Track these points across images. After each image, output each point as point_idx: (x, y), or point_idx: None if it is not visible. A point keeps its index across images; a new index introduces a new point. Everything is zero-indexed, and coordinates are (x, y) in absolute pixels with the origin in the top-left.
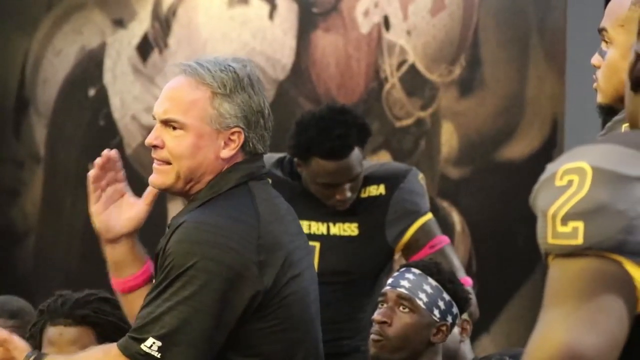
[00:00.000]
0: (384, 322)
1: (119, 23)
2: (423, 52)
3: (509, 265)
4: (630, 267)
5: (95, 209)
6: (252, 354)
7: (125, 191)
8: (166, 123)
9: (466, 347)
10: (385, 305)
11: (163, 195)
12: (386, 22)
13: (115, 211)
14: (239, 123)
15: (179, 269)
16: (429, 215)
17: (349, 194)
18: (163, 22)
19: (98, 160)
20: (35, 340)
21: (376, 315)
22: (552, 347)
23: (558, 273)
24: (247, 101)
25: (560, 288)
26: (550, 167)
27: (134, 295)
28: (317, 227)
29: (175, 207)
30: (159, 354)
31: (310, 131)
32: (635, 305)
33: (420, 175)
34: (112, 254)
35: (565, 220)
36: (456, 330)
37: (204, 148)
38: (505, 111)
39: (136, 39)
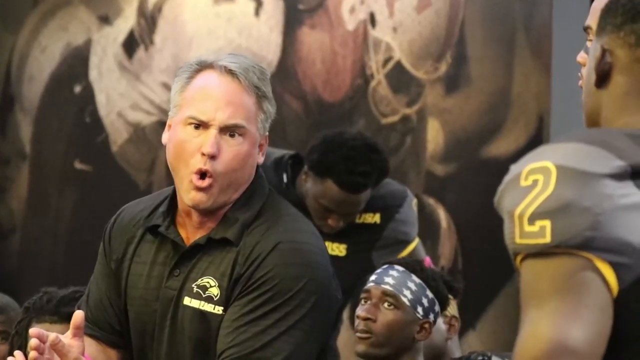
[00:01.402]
0: (369, 319)
1: (105, 20)
2: (409, 49)
3: (495, 262)
4: (599, 263)
5: None
6: None
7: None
8: (226, 130)
9: (454, 345)
10: (369, 301)
11: None
12: (372, 19)
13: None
14: (265, 132)
15: (287, 293)
16: (417, 241)
17: (341, 224)
18: (149, 19)
19: (34, 343)
20: (21, 338)
21: (361, 312)
22: (541, 343)
23: (531, 274)
24: (273, 108)
25: (537, 288)
26: (514, 168)
27: None
28: None
29: None
30: None
31: (337, 154)
32: (611, 297)
33: (415, 201)
34: None
35: (532, 219)
36: (443, 327)
37: (253, 156)
38: (491, 108)
39: (122, 36)
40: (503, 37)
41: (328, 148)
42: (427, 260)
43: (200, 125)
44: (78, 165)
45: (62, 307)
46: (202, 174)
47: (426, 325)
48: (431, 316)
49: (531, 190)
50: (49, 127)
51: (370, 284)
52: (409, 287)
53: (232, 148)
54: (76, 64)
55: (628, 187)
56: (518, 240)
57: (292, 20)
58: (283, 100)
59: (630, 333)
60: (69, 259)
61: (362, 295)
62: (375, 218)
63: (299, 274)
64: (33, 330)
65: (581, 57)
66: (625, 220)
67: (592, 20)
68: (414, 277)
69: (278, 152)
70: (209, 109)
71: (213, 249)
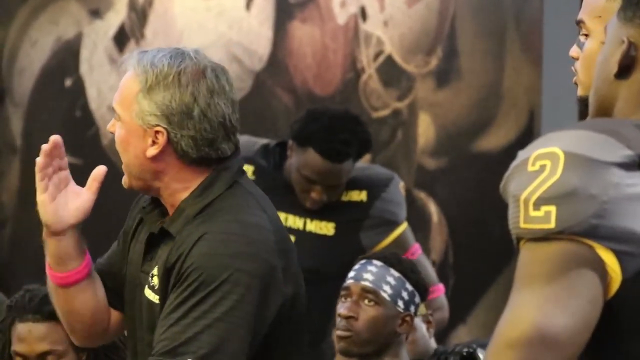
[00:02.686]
0: (351, 317)
1: (96, 13)
2: (400, 43)
3: (485, 256)
4: (602, 252)
5: (43, 198)
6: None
7: (69, 179)
8: (114, 112)
9: (432, 340)
10: (349, 299)
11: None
12: (363, 13)
13: (63, 201)
14: (160, 122)
15: (211, 284)
16: (405, 224)
17: (324, 197)
18: (139, 13)
19: (44, 147)
20: (5, 336)
21: (342, 310)
22: (522, 326)
23: (529, 256)
24: (167, 100)
25: (531, 270)
26: (521, 154)
27: (75, 289)
28: (294, 221)
29: None
30: None
31: (318, 123)
32: (606, 290)
33: (402, 184)
34: (57, 246)
35: (537, 204)
36: (423, 325)
37: (132, 144)
38: (481, 102)
39: (112, 30)
40: (494, 31)
41: (310, 118)
42: (416, 247)
43: None
44: (69, 158)
45: (45, 305)
46: None
47: (407, 318)
48: (412, 308)
49: (538, 175)
50: (40, 121)
51: (349, 281)
52: (388, 282)
53: (116, 130)
54: (67, 57)
55: (636, 177)
56: (522, 225)
57: (283, 14)
58: (274, 94)
59: (632, 324)
60: None
61: (342, 292)
62: (362, 196)
63: (224, 265)
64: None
65: (574, 51)
66: (631, 209)
67: (584, 14)
68: (393, 271)
69: (263, 141)
70: None
71: (167, 238)
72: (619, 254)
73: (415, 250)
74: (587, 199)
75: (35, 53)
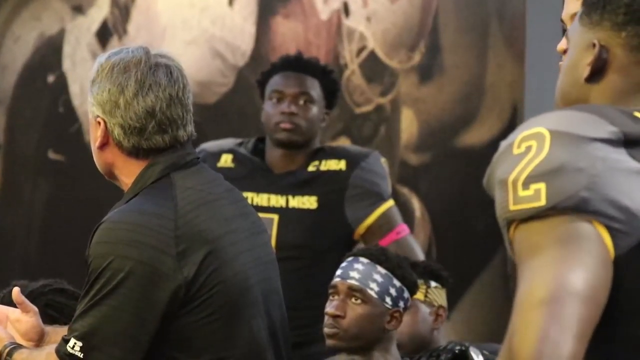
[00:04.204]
0: (338, 316)
1: (78, 9)
2: (383, 39)
3: (468, 252)
4: (596, 225)
5: None
6: (189, 347)
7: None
8: None
9: (440, 335)
10: (336, 297)
11: None
12: (346, 9)
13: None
14: (98, 112)
15: (97, 271)
16: (392, 202)
17: (294, 109)
18: (122, 9)
19: None
20: None
21: (329, 309)
22: (544, 286)
23: (528, 234)
24: (100, 91)
25: (535, 242)
26: (504, 142)
27: None
28: (277, 200)
29: None
30: (82, 354)
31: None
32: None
33: (383, 159)
34: None
35: (526, 183)
36: (429, 317)
37: (92, 137)
38: (464, 98)
39: (95, 26)
40: (476, 26)
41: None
42: (402, 226)
43: None
44: (52, 155)
45: (30, 301)
46: None
47: (396, 314)
48: (401, 304)
49: (524, 156)
50: (22, 117)
51: (336, 279)
52: (375, 280)
53: None
54: (49, 53)
55: (622, 154)
56: (512, 206)
57: (266, 10)
58: (257, 90)
59: (624, 305)
60: (43, 250)
61: (330, 290)
62: (341, 165)
63: (106, 252)
64: None
65: (563, 44)
66: (620, 183)
67: (565, 14)
68: (380, 268)
69: (240, 139)
70: None
71: None
72: (610, 230)
73: (402, 230)
74: (576, 173)
75: (17, 49)
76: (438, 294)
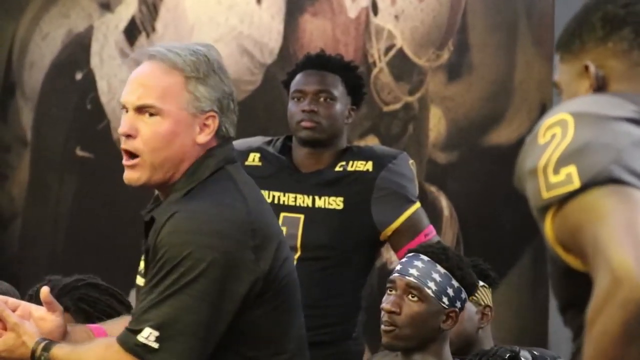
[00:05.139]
0: (394, 312)
1: (106, 7)
2: (411, 37)
3: (496, 250)
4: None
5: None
6: (253, 340)
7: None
8: (141, 110)
9: (485, 334)
10: (393, 292)
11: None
12: (374, 7)
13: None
14: (213, 107)
15: (174, 261)
16: (418, 204)
17: (314, 107)
18: (150, 6)
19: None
20: None
21: (385, 304)
22: (629, 247)
23: (575, 212)
24: (219, 84)
25: (592, 213)
26: (529, 136)
27: None
28: (303, 200)
29: None
30: (157, 344)
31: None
32: None
33: (411, 161)
34: None
35: (557, 168)
36: (475, 316)
37: (181, 134)
38: (493, 96)
39: (123, 23)
40: (505, 25)
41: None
42: (430, 228)
43: (125, 108)
44: (79, 152)
45: (62, 296)
46: (127, 153)
47: (452, 314)
48: (458, 304)
49: (550, 143)
50: (50, 114)
51: (395, 275)
52: (434, 278)
53: (149, 127)
54: (77, 51)
55: None
56: (545, 194)
57: (294, 8)
58: (284, 88)
59: None
60: (70, 246)
61: (388, 285)
62: (368, 166)
63: (185, 241)
64: None
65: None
66: None
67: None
68: (439, 267)
69: (268, 138)
70: (125, 93)
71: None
72: None
73: (430, 232)
74: (602, 148)
75: (46, 46)
76: (485, 294)
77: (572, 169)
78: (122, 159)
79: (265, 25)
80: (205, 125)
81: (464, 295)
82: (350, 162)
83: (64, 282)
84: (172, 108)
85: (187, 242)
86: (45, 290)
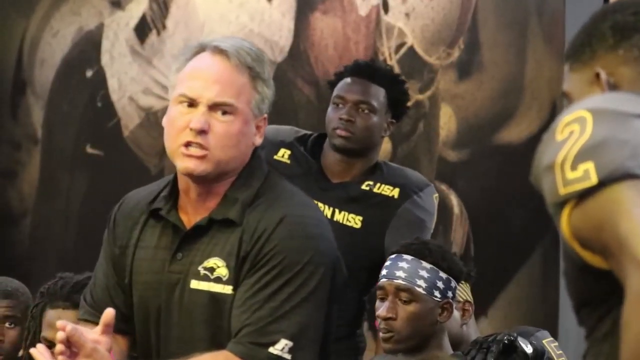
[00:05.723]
0: (390, 318)
1: (117, 4)
2: (421, 35)
3: (506, 249)
4: None
5: None
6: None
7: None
8: (215, 107)
9: (471, 329)
10: (385, 299)
11: None
12: (385, 5)
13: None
14: (269, 109)
15: (296, 266)
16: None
17: (352, 117)
18: (161, 4)
19: (61, 336)
20: (36, 322)
21: (380, 312)
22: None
23: (595, 207)
24: (270, 88)
25: (613, 206)
26: (547, 133)
27: None
28: (323, 209)
29: None
30: (289, 355)
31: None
32: None
33: (435, 195)
34: None
35: (574, 164)
36: (457, 313)
37: (247, 135)
38: (503, 94)
39: (134, 21)
40: (516, 23)
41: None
42: None
43: (191, 103)
44: (89, 149)
45: (75, 293)
46: (191, 144)
47: (447, 306)
48: (449, 294)
49: (568, 139)
50: (61, 112)
51: (383, 280)
52: (421, 276)
53: (222, 125)
54: (88, 48)
55: None
56: (562, 190)
57: (304, 6)
58: (295, 86)
59: None
60: (80, 244)
61: (378, 292)
62: (394, 192)
63: (305, 247)
64: (60, 323)
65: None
66: None
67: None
68: (424, 263)
69: (305, 132)
70: (197, 87)
71: (215, 230)
72: None
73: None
74: (619, 144)
75: (56, 44)
76: (462, 289)
77: (589, 165)
78: (131, 156)
79: (275, 23)
80: (258, 127)
81: (453, 284)
82: (378, 185)
83: (75, 280)
84: (245, 108)
85: (307, 247)
86: (110, 313)
